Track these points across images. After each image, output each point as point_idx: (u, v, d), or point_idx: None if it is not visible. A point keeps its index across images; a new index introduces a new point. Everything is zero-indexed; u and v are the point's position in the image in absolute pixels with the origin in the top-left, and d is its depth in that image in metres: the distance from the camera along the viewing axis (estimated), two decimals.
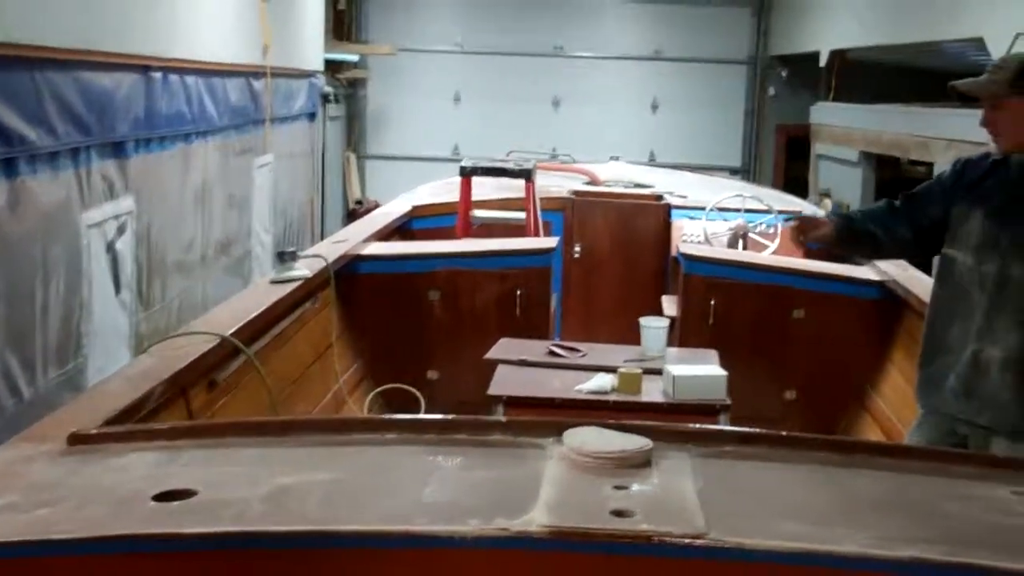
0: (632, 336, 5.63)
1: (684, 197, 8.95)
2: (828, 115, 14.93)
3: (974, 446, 3.81)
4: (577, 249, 8.66)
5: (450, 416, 3.23)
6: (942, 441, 3.88)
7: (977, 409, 3.82)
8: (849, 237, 4.27)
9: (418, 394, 6.20)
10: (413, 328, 6.60)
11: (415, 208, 8.55)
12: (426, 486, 2.70)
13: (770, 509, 2.55)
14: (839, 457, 2.95)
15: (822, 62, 14.99)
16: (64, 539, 2.47)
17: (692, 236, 8.07)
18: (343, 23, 17.74)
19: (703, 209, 8.29)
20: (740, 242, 7.97)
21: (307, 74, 12.01)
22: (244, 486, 2.69)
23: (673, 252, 7.91)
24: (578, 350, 5.48)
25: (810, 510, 2.58)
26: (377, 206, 11.75)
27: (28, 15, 4.83)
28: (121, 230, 6.22)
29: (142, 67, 6.36)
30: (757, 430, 3.12)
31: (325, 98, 14.54)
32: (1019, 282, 3.74)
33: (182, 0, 7.15)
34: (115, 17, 5.88)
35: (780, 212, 8.19)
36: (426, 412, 6.07)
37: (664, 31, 18.46)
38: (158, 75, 6.55)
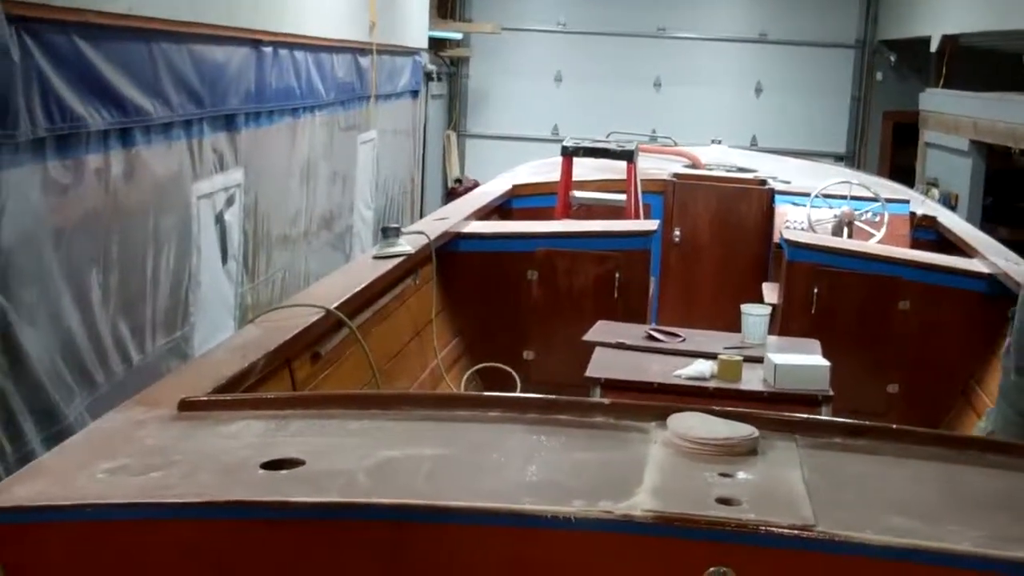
0: (731, 323, 5.58)
1: (788, 183, 8.83)
2: (938, 102, 14.60)
3: None
4: (677, 233, 8.59)
5: (552, 396, 3.23)
6: None
7: None
8: None
9: (514, 373, 6.22)
10: (510, 307, 6.62)
11: (515, 187, 8.56)
12: (530, 465, 2.72)
13: (879, 503, 2.52)
14: (949, 452, 2.90)
15: (933, 47, 14.65)
16: (176, 503, 2.53)
17: (796, 223, 7.96)
18: (447, 1, 17.78)
19: (807, 195, 8.17)
20: (845, 230, 7.84)
21: (411, 52, 12.07)
22: (351, 458, 2.73)
23: (775, 238, 7.81)
24: (677, 335, 5.45)
25: (920, 505, 2.54)
26: (476, 185, 11.79)
27: None
28: (230, 202, 6.32)
29: (253, 41, 6.43)
30: (865, 422, 3.08)
31: (428, 76, 14.60)
32: None
33: None
34: None
35: (887, 200, 8.05)
36: (522, 392, 6.08)
37: (769, 13, 18.19)
38: (268, 49, 6.62)
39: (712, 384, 4.76)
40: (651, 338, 5.39)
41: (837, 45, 18.26)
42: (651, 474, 2.59)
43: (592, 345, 5.26)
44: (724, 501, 2.42)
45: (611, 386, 4.76)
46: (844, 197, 8.12)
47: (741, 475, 2.60)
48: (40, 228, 4.25)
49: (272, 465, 2.70)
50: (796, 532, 2.30)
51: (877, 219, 7.94)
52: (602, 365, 4.96)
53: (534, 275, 6.55)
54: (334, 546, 2.51)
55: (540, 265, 6.55)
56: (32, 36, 4.01)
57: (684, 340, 5.37)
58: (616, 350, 5.22)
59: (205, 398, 3.34)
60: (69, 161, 4.45)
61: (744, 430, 2.79)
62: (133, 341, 5.05)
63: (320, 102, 8.21)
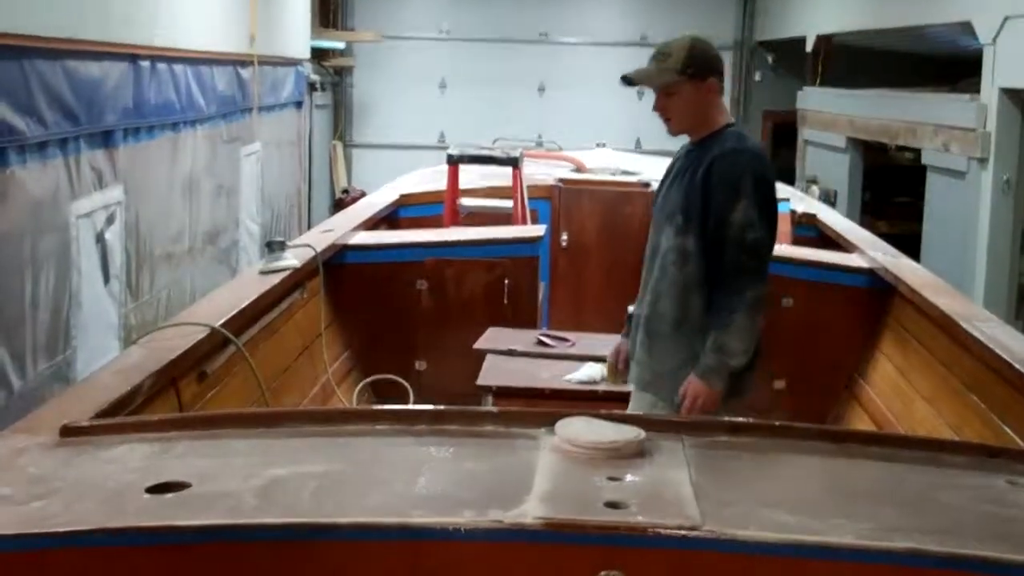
0: (620, 325, 5.63)
1: None
2: (815, 101, 14.93)
3: None
4: (564, 237, 8.65)
5: (441, 407, 3.24)
6: None
7: None
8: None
9: (406, 384, 6.20)
10: (401, 318, 6.60)
11: (402, 197, 8.54)
12: (419, 477, 2.71)
13: (764, 500, 2.56)
14: (832, 447, 2.96)
15: (808, 47, 14.99)
16: (60, 532, 2.48)
17: None
18: (328, 10, 17.67)
19: None
20: None
21: (293, 62, 11.98)
22: (237, 478, 2.70)
23: None
24: (567, 339, 5.49)
25: (805, 501, 2.59)
26: (363, 195, 11.72)
27: (14, 4, 4.80)
28: (110, 220, 6.21)
29: (130, 56, 6.33)
30: (749, 420, 3.13)
31: (312, 86, 14.50)
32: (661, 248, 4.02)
33: None
34: (101, 6, 5.85)
35: None
36: (415, 402, 6.07)
37: (649, 16, 18.40)
38: (146, 64, 6.52)
39: (602, 387, 4.80)
40: (541, 343, 5.42)
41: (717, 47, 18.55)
42: (540, 481, 2.60)
43: (483, 353, 5.27)
44: (613, 505, 2.45)
45: (503, 393, 4.78)
46: None
47: (629, 478, 2.63)
48: None
49: (157, 489, 2.65)
50: (683, 532, 2.33)
51: None
52: (493, 373, 4.98)
53: (424, 284, 6.54)
54: (224, 569, 2.48)
55: (429, 274, 6.55)
56: None
57: (574, 344, 5.42)
58: (507, 357, 5.24)
59: (88, 423, 3.27)
60: None
61: (630, 432, 2.82)
62: (13, 366, 4.93)
63: (201, 115, 8.10)
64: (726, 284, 3.90)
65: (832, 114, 13.92)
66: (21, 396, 4.95)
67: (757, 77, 18.54)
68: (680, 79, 3.90)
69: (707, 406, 3.86)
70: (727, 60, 18.57)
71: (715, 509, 2.44)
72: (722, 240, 3.88)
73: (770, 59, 18.26)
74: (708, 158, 3.92)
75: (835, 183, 13.63)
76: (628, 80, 4.09)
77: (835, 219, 8.51)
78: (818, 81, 15.08)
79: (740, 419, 3.14)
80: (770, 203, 3.91)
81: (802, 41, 15.18)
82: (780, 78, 18.03)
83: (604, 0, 18.60)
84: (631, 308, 4.32)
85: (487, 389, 4.80)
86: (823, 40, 14.65)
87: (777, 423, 3.14)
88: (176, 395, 4.23)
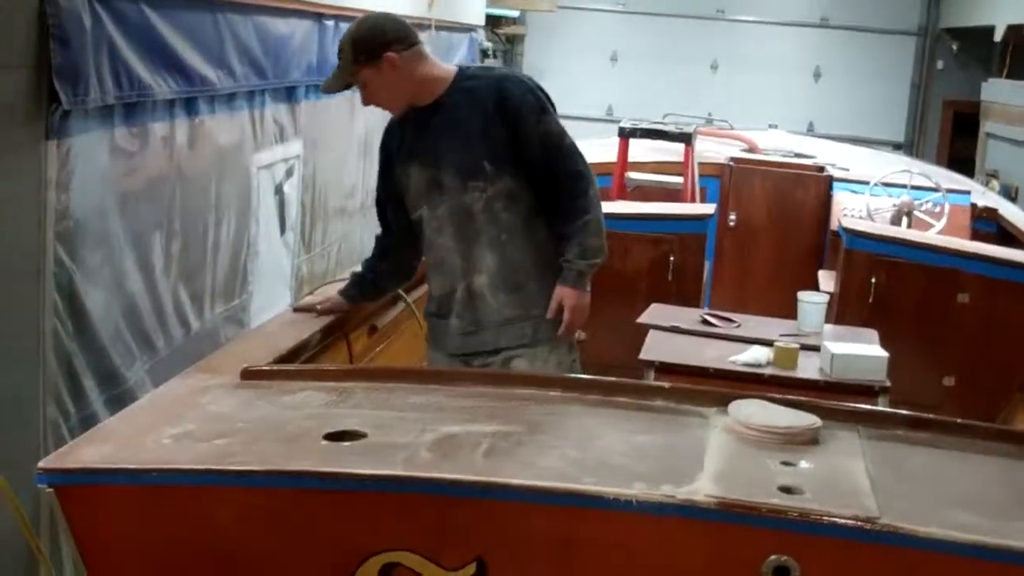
0: (784, 310, 5.54)
1: (846, 170, 8.74)
2: (1001, 93, 14.41)
3: None
4: (733, 217, 8.54)
5: (613, 378, 3.24)
6: None
7: None
8: (366, 286, 4.25)
9: None
10: None
11: None
12: (590, 446, 2.72)
13: (943, 497, 2.51)
14: (1012, 448, 2.87)
15: (997, 37, 14.46)
16: (241, 470, 2.56)
17: (854, 211, 7.88)
18: None
19: (867, 183, 8.09)
20: (904, 220, 7.76)
21: (468, 28, 12.05)
22: (412, 431, 2.75)
23: (833, 226, 7.74)
24: (732, 320, 5.42)
25: (984, 501, 2.52)
26: None
27: None
28: (289, 173, 6.36)
29: (316, 15, 6.46)
30: (929, 415, 3.06)
31: (483, 53, 14.57)
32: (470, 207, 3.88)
33: None
34: None
35: (948, 191, 7.96)
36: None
37: None
38: (330, 23, 6.64)
39: (768, 371, 4.73)
40: (706, 323, 5.36)
41: (898, 32, 18.06)
42: (712, 460, 2.59)
43: (645, 327, 5.24)
44: (787, 489, 2.42)
45: (665, 369, 4.74)
46: (904, 186, 8.04)
47: (803, 464, 2.60)
48: (107, 193, 4.29)
49: (335, 436, 2.72)
50: (860, 524, 2.29)
51: (937, 209, 7.85)
52: (656, 348, 4.95)
53: None
54: (396, 518, 2.53)
55: None
56: (103, 4, 4.05)
57: (739, 326, 5.34)
58: (670, 333, 5.19)
59: (267, 367, 3.37)
60: (136, 128, 4.49)
61: (807, 419, 2.78)
62: (193, 307, 5.10)
63: None
64: (569, 193, 3.92)
65: (1019, 107, 13.42)
66: (197, 336, 5.12)
67: (939, 65, 17.99)
68: (357, 70, 3.81)
69: (584, 311, 4.00)
70: (909, 46, 18.15)
71: (892, 502, 2.39)
72: (547, 157, 3.88)
73: (954, 47, 17.70)
74: (485, 95, 3.86)
75: (1018, 178, 13.16)
76: (329, 90, 4.00)
77: (1017, 215, 8.21)
78: (1005, 73, 14.55)
79: (919, 413, 3.06)
80: (554, 107, 3.97)
81: (990, 30, 14.66)
82: (963, 67, 17.48)
83: None
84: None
85: (650, 364, 4.76)
86: (1013, 31, 14.12)
87: (958, 420, 3.06)
88: (347, 347, 4.33)
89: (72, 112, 3.92)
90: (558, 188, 3.93)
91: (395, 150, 4.03)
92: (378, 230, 4.25)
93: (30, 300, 3.80)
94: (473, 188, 3.87)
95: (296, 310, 4.17)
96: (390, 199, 4.09)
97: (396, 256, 4.19)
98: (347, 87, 3.90)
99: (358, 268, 4.30)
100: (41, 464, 2.62)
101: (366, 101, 3.94)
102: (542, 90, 3.99)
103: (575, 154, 3.98)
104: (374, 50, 3.81)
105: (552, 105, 3.99)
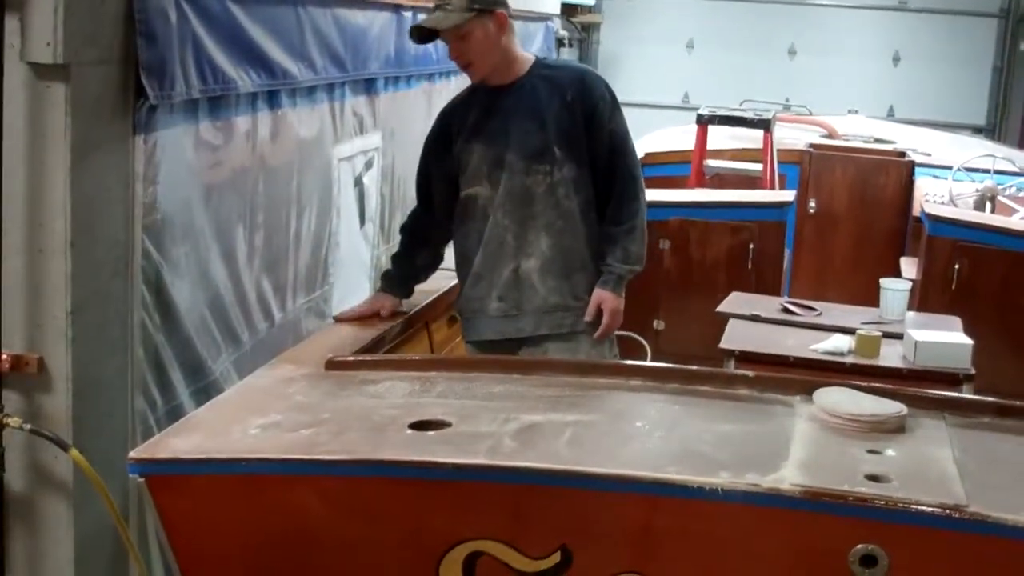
0: (866, 297, 5.50)
1: (928, 155, 8.63)
2: None
3: None
4: (812, 204, 8.46)
5: (694, 367, 3.23)
6: None
7: None
8: (413, 274, 4.27)
9: (644, 343, 6.20)
10: (642, 276, 6.55)
11: (647, 155, 8.49)
12: (673, 435, 2.73)
13: None
14: None
15: None
16: (329, 460, 2.61)
17: (936, 196, 7.78)
18: None
19: (949, 168, 7.98)
20: (988, 205, 7.64)
21: (544, 17, 12.02)
22: (496, 421, 2.78)
23: (915, 212, 7.65)
24: (813, 308, 5.38)
25: None
26: None
27: None
28: (368, 165, 6.39)
29: (394, 6, 6.48)
30: (1016, 403, 3.02)
31: (559, 42, 14.54)
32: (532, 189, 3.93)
33: None
34: None
35: None
36: (652, 361, 6.07)
37: None
38: (408, 15, 6.66)
39: (850, 360, 4.69)
40: (786, 311, 5.33)
41: (980, 14, 17.71)
42: (797, 448, 2.58)
43: (724, 316, 5.22)
44: (873, 478, 2.41)
45: (746, 358, 4.72)
46: (987, 171, 7.91)
47: (890, 452, 2.58)
48: (192, 187, 4.35)
49: (420, 425, 2.76)
50: (948, 512, 2.28)
51: (1022, 194, 7.72)
52: (737, 337, 4.93)
53: (666, 244, 6.51)
54: (480, 507, 2.56)
55: (673, 234, 6.51)
56: (188, 0, 4.11)
57: (820, 314, 5.30)
58: (751, 322, 5.17)
59: (351, 358, 3.42)
60: (220, 122, 4.54)
61: (893, 407, 2.77)
62: (275, 299, 5.15)
63: (455, 67, 8.23)
64: (621, 194, 3.98)
65: None
66: (280, 327, 5.17)
67: (1022, 47, 17.61)
68: (466, 18, 3.82)
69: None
70: (991, 28, 17.80)
71: (980, 491, 2.37)
72: (611, 154, 3.96)
73: None
74: (564, 84, 3.94)
75: None
76: (420, 33, 4.01)
77: None
78: None
79: (1007, 401, 3.02)
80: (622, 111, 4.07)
81: None
82: None
83: None
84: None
85: (730, 353, 4.75)
86: None
87: None
88: (428, 337, 4.37)
89: (158, 107, 3.98)
90: (614, 187, 4.00)
91: (458, 127, 4.08)
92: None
93: (119, 293, 3.87)
94: (537, 171, 3.93)
95: (338, 321, 4.20)
96: (440, 175, 4.12)
97: (435, 234, 4.23)
98: (453, 28, 3.89)
99: (391, 267, 4.31)
100: (132, 454, 2.69)
101: (457, 55, 3.98)
102: (613, 93, 4.10)
103: (636, 159, 4.09)
104: (492, 1, 3.91)
105: (620, 107, 4.09)
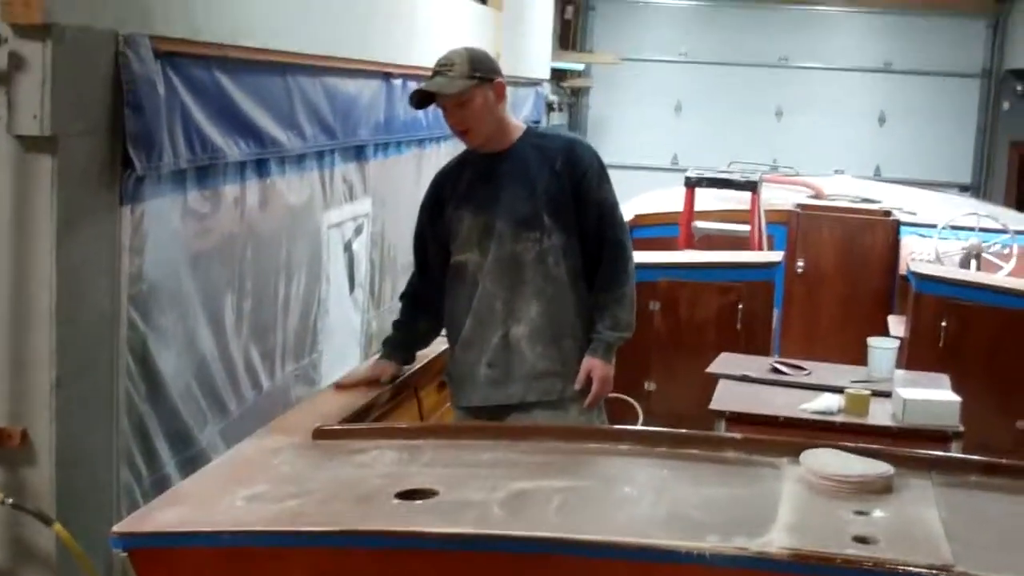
0: (854, 355, 5.50)
1: (913, 214, 8.69)
2: None
3: None
4: (800, 264, 8.50)
5: (683, 430, 3.23)
6: None
7: None
8: (414, 340, 4.25)
9: (636, 405, 6.19)
10: (633, 338, 6.58)
11: (636, 217, 8.54)
12: (661, 499, 2.72)
13: (1018, 543, 2.48)
14: None
15: None
16: (314, 531, 2.59)
17: (922, 254, 7.82)
18: (569, 32, 17.88)
19: (934, 227, 8.03)
20: (973, 262, 7.68)
21: (534, 82, 12.15)
22: (484, 489, 2.77)
23: (901, 270, 7.68)
24: (802, 368, 5.38)
25: None
26: None
27: (281, 25, 5.04)
28: (358, 231, 6.43)
29: (383, 74, 6.55)
30: (1003, 460, 3.01)
31: (549, 106, 14.66)
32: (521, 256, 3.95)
33: (421, 10, 7.33)
34: (359, 27, 6.08)
35: (1017, 232, 7.87)
36: (643, 423, 6.06)
37: (894, 42, 17.93)
38: (398, 82, 6.73)
39: (839, 419, 4.69)
40: (776, 371, 5.33)
41: (963, 75, 17.91)
42: (785, 510, 2.58)
43: (715, 377, 5.22)
44: (861, 539, 2.40)
45: (736, 419, 4.72)
46: (972, 229, 7.96)
47: (877, 513, 2.58)
48: (179, 256, 4.37)
49: (407, 495, 2.74)
50: (935, 572, 2.27)
51: (1006, 251, 7.77)
52: (726, 398, 4.93)
53: (656, 305, 6.52)
54: None
55: (663, 296, 6.52)
56: (176, 71, 4.14)
57: (810, 373, 5.31)
58: (740, 382, 5.17)
59: (339, 427, 3.41)
60: (208, 191, 4.57)
61: (880, 467, 2.76)
62: (264, 367, 5.16)
63: (446, 132, 8.28)
64: (610, 262, 4.01)
65: None
66: (269, 395, 5.17)
67: (1005, 106, 17.79)
68: (468, 86, 3.83)
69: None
70: (974, 88, 18.00)
71: (967, 550, 2.36)
72: (599, 223, 3.99)
73: (1019, 88, 17.49)
74: (553, 153, 3.96)
75: None
76: (419, 98, 3.98)
77: None
78: None
79: (993, 459, 3.02)
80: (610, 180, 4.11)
81: None
82: None
83: (847, 25, 18.19)
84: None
85: (720, 414, 4.75)
86: None
87: None
88: (418, 403, 4.36)
89: (146, 177, 4.00)
90: (603, 255, 4.03)
91: (450, 192, 4.09)
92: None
93: (105, 364, 3.86)
94: (526, 238, 3.94)
95: (339, 388, 4.09)
96: (435, 240, 4.14)
97: (434, 299, 4.19)
98: (456, 94, 3.88)
99: (392, 333, 4.30)
100: (116, 528, 2.67)
101: (455, 121, 3.97)
102: (602, 162, 4.12)
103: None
104: (492, 70, 3.94)
105: (608, 176, 4.12)
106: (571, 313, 4.01)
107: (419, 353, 4.33)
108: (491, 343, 3.99)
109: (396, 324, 4.29)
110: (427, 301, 4.19)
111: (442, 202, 4.11)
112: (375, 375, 4.13)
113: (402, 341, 4.24)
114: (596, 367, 3.98)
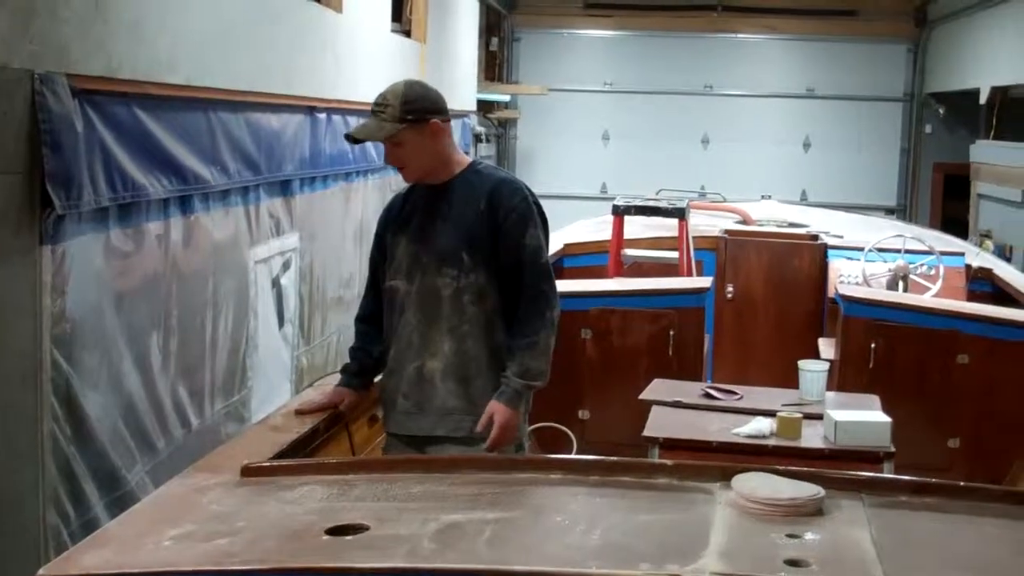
0: (787, 379, 5.53)
1: (840, 237, 8.79)
2: (989, 154, 14.52)
3: None
4: (730, 289, 8.55)
5: (614, 458, 3.22)
6: None
7: None
8: (371, 366, 4.22)
9: (570, 433, 6.18)
10: (565, 366, 6.57)
11: (566, 246, 8.57)
12: (594, 528, 2.70)
13: (949, 562, 2.49)
14: (1019, 510, 2.85)
15: (982, 99, 14.60)
16: (243, 570, 2.54)
17: (850, 277, 7.91)
18: (495, 64, 17.96)
19: (861, 250, 8.13)
20: (900, 284, 7.78)
21: (460, 114, 12.19)
22: (415, 522, 2.73)
23: (830, 293, 7.76)
24: (734, 393, 5.40)
25: (991, 564, 2.50)
26: None
27: (204, 62, 5.01)
28: (286, 266, 6.39)
29: (307, 108, 6.53)
30: (932, 480, 3.04)
31: (477, 137, 14.70)
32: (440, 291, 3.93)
33: (344, 44, 7.33)
34: (282, 61, 6.06)
35: (942, 253, 7.99)
36: (578, 452, 6.05)
37: (817, 69, 18.24)
38: (322, 116, 6.72)
39: (772, 442, 4.71)
40: (708, 396, 5.35)
41: (885, 99, 18.24)
42: (717, 536, 2.57)
43: (648, 404, 5.23)
44: (793, 563, 2.40)
45: (669, 445, 4.73)
46: (898, 251, 8.07)
47: (809, 536, 2.58)
48: (103, 295, 4.31)
49: (337, 530, 2.70)
50: None
51: (932, 272, 7.88)
52: (660, 424, 4.93)
53: (588, 333, 6.53)
54: None
55: (594, 324, 6.53)
56: (95, 108, 4.10)
57: (741, 398, 5.33)
58: (673, 408, 5.18)
59: (268, 463, 3.36)
60: (131, 229, 4.52)
61: (810, 490, 2.77)
62: (192, 405, 5.10)
63: (372, 166, 8.28)
64: (526, 308, 3.96)
65: (1007, 167, 13.51)
66: (198, 433, 5.11)
67: (927, 129, 18.15)
68: (399, 128, 3.86)
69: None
70: (897, 112, 18.34)
71: (899, 571, 2.37)
72: (518, 267, 3.95)
73: (940, 111, 17.87)
74: (480, 192, 3.95)
75: (1011, 238, 13.20)
76: (352, 138, 4.01)
77: (1012, 274, 8.24)
78: (992, 134, 14.67)
79: (923, 479, 3.04)
80: (545, 224, 4.05)
81: (975, 93, 14.80)
82: (951, 130, 17.64)
83: (770, 52, 18.48)
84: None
85: (654, 440, 4.75)
86: (997, 92, 14.26)
87: (961, 483, 3.04)
88: (349, 438, 4.31)
89: (66, 216, 3.94)
90: (520, 300, 3.99)
91: (395, 217, 4.10)
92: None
93: (28, 405, 3.79)
94: (446, 274, 3.93)
95: (299, 413, 4.08)
96: (383, 263, 4.14)
97: (370, 313, 4.19)
98: (385, 139, 3.90)
99: (348, 361, 4.27)
100: (41, 572, 2.60)
101: (392, 159, 3.97)
102: (537, 204, 4.07)
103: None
104: (423, 112, 3.91)
105: (543, 219, 4.06)
106: (485, 353, 3.98)
107: None
108: (408, 373, 3.99)
109: (352, 351, 4.27)
110: (379, 323, 4.17)
111: (388, 226, 4.12)
112: (335, 401, 4.12)
113: (358, 368, 4.22)
114: (498, 411, 3.91)
